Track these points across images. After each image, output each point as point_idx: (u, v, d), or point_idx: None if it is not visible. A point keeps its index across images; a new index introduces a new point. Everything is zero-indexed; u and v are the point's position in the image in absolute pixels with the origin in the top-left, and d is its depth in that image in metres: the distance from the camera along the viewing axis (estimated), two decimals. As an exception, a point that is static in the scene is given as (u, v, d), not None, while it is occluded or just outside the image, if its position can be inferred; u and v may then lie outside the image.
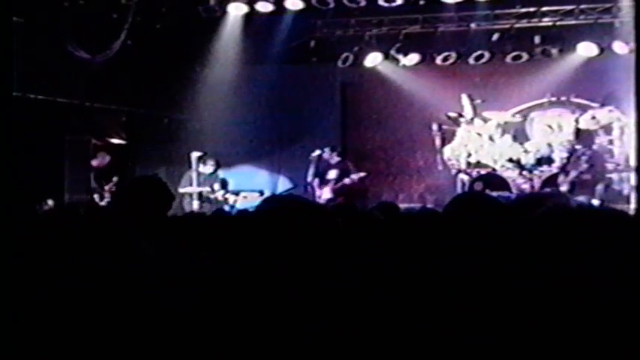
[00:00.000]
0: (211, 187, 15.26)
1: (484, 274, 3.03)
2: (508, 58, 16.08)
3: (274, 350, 2.98)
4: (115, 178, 14.59)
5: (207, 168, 15.28)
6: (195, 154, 15.28)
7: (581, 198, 14.13)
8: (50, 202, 12.50)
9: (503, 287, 2.85)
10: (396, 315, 2.99)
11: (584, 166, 14.87)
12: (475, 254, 3.36)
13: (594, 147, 15.34)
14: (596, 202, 14.06)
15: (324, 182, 15.38)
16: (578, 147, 15.32)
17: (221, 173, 15.63)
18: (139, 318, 3.23)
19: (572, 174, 14.82)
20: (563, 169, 15.11)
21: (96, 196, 14.20)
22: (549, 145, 15.85)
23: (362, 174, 15.28)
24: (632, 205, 13.67)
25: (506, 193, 14.64)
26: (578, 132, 15.70)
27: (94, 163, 14.81)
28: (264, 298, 3.07)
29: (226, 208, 14.40)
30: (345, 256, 3.43)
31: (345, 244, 3.73)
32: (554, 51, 15.74)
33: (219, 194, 15.27)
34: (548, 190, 14.67)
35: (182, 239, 4.67)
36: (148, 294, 3.31)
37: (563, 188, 14.62)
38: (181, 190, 14.96)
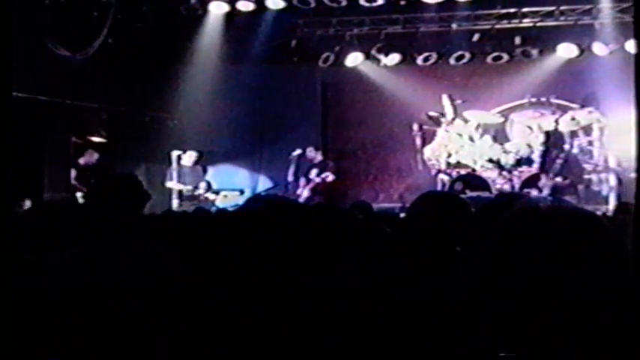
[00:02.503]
0: (197, 185, 15.32)
1: (449, 273, 3.06)
2: (488, 59, 16.14)
3: (252, 349, 2.99)
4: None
5: (188, 159, 15.33)
6: (175, 153, 15.32)
7: (567, 198, 14.23)
8: (27, 203, 12.39)
9: (469, 288, 2.88)
10: (374, 313, 3.01)
11: (563, 167, 14.91)
12: (440, 254, 3.39)
13: (573, 148, 15.38)
14: (574, 202, 14.12)
15: (307, 181, 15.48)
16: (557, 148, 15.35)
17: (209, 171, 15.76)
18: (115, 317, 3.23)
19: (551, 175, 14.87)
20: (542, 170, 15.16)
21: (78, 194, 14.14)
22: (529, 145, 15.90)
23: (327, 173, 15.44)
24: (611, 207, 13.76)
25: (486, 194, 14.66)
26: (555, 133, 15.73)
27: (81, 161, 14.76)
28: (243, 298, 3.08)
29: (206, 206, 14.42)
30: (326, 256, 3.45)
31: (326, 243, 3.75)
32: (535, 52, 15.80)
33: (201, 192, 15.32)
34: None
35: (161, 237, 4.67)
36: (122, 293, 3.31)
37: (544, 189, 14.68)
38: (168, 185, 15.10)
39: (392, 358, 2.96)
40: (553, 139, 15.60)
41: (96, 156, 14.95)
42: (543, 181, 14.91)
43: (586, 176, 15.04)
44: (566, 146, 15.36)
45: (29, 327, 3.22)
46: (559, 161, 14.96)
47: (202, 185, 15.43)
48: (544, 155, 15.51)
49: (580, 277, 2.71)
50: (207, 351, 3.06)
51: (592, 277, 2.71)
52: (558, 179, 14.81)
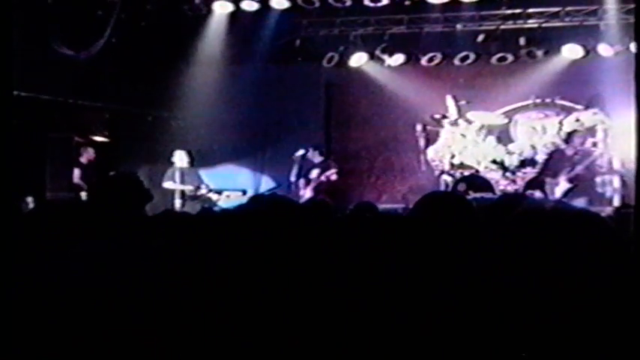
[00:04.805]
0: (198, 186, 15.28)
1: (452, 274, 3.03)
2: (493, 60, 16.09)
3: (253, 348, 2.96)
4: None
5: (181, 161, 15.31)
6: (178, 153, 15.28)
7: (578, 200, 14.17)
8: (30, 200, 12.37)
9: (472, 290, 2.85)
10: (374, 313, 2.99)
11: (567, 168, 14.84)
12: (445, 255, 3.36)
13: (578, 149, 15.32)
14: (580, 204, 14.07)
15: (307, 182, 15.40)
16: (561, 149, 15.29)
17: (210, 171, 15.73)
18: (116, 316, 3.20)
19: (565, 174, 14.80)
20: (546, 171, 15.10)
21: (83, 193, 14.09)
22: (533, 146, 15.89)
23: (332, 170, 15.32)
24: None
25: (489, 195, 14.62)
26: (571, 133, 15.67)
27: (83, 159, 14.75)
28: (243, 297, 3.05)
29: (209, 206, 14.39)
30: (324, 254, 3.43)
31: (324, 242, 3.72)
32: (540, 53, 15.75)
33: (203, 192, 15.29)
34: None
35: (162, 237, 4.64)
36: (124, 292, 3.29)
37: (547, 190, 14.62)
38: (165, 186, 15.04)
39: (392, 358, 2.94)
40: (565, 141, 15.52)
41: (92, 152, 14.94)
42: (550, 181, 14.78)
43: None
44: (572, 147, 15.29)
45: (31, 326, 3.20)
46: (577, 157, 14.84)
47: (203, 185, 15.40)
48: (552, 155, 15.45)
49: (584, 277, 2.69)
50: (207, 351, 3.04)
51: (596, 277, 2.68)
52: (579, 170, 14.64)
